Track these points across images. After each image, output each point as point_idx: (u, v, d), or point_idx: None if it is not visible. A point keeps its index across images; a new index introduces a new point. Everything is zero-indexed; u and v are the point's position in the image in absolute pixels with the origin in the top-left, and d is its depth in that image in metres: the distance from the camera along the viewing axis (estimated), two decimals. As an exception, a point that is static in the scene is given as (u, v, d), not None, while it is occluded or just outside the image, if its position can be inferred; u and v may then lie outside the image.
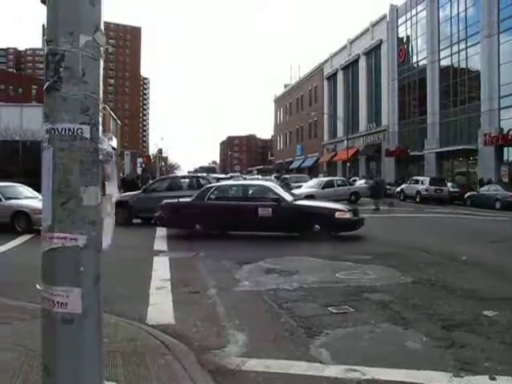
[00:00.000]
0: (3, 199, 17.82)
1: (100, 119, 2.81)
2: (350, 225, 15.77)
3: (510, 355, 5.54)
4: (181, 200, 17.09)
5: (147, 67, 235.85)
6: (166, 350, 5.46)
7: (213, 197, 16.61)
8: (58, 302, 2.63)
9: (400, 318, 6.93)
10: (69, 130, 2.63)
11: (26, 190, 19.61)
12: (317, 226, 15.09)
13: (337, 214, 15.58)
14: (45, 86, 2.69)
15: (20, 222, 17.05)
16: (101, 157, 2.79)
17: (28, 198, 18.60)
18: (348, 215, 15.67)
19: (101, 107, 2.83)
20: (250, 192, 17.31)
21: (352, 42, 67.96)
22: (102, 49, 2.76)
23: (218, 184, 19.75)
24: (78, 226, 2.68)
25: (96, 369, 2.77)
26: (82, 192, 2.69)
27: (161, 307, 7.62)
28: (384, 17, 59.27)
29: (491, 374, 4.92)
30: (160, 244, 14.62)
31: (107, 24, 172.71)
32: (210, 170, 65.36)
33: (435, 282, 9.24)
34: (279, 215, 15.57)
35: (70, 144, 2.64)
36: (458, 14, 46.04)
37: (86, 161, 2.69)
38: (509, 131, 37.69)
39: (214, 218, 15.92)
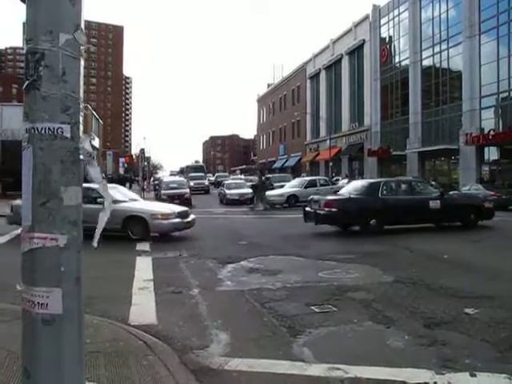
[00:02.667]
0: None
1: (81, 118, 2.80)
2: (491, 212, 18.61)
3: (490, 352, 5.60)
4: (352, 197, 17.42)
5: (130, 66, 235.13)
6: (148, 350, 5.45)
7: (385, 192, 17.43)
8: (38, 303, 2.61)
9: (382, 317, 6.97)
10: (49, 129, 2.61)
11: (128, 192, 18.80)
12: (472, 215, 17.85)
13: (485, 204, 18.89)
14: (24, 85, 2.66)
15: (134, 228, 15.54)
16: (82, 157, 2.78)
17: (133, 200, 17.73)
18: None
19: (82, 106, 2.81)
20: (413, 186, 18.64)
21: (335, 41, 68.21)
22: (82, 48, 2.74)
23: (384, 180, 20.70)
24: (58, 226, 2.65)
25: (77, 370, 2.75)
26: (63, 192, 2.66)
27: (143, 307, 7.59)
28: (366, 17, 59.55)
29: (472, 371, 4.97)
30: (142, 244, 14.56)
31: (89, 23, 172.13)
32: (198, 168, 62.88)
33: (417, 280, 9.31)
34: (444, 207, 17.34)
35: (50, 143, 2.62)
36: (440, 14, 46.42)
37: (66, 160, 2.67)
38: (489, 131, 38.09)
39: (388, 212, 16.69)
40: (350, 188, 19.13)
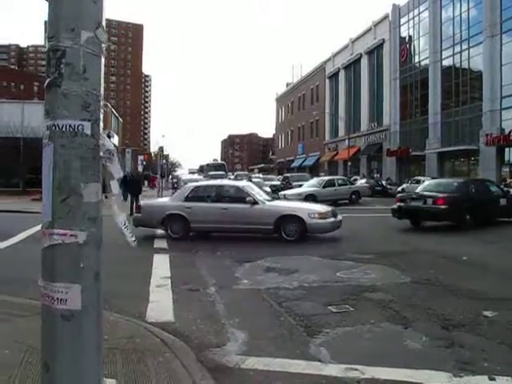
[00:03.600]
0: (260, 201, 15.19)
1: (101, 116, 2.81)
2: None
3: (509, 356, 5.54)
4: (456, 195, 18.23)
5: (149, 65, 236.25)
6: (165, 347, 5.47)
7: (473, 191, 18.72)
8: (57, 299, 2.63)
9: (400, 318, 6.92)
10: (69, 126, 2.63)
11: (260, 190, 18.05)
12: None
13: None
14: (46, 83, 2.68)
15: (289, 228, 14.73)
16: (101, 153, 2.79)
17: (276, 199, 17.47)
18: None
19: (102, 104, 2.83)
20: (488, 186, 20.39)
21: (354, 41, 67.96)
22: (103, 45, 2.76)
23: (469, 179, 23.02)
24: (78, 222, 2.67)
25: (95, 365, 2.77)
26: (83, 188, 2.68)
27: (160, 305, 7.63)
28: (386, 16, 59.26)
29: (490, 374, 4.92)
30: (160, 242, 14.62)
31: (109, 21, 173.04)
32: (219, 167, 61.58)
33: (435, 281, 9.24)
34: (510, 204, 19.39)
35: (71, 140, 2.64)
36: (461, 14, 46.04)
37: (86, 157, 2.69)
38: (510, 132, 37.67)
39: (480, 208, 18.10)
40: (430, 187, 19.95)
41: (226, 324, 6.73)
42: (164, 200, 19.17)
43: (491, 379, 4.83)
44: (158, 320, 6.77)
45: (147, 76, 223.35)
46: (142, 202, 18.87)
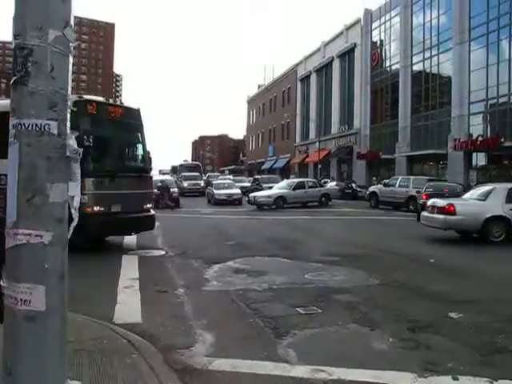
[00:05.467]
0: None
1: (68, 115, 2.79)
2: None
3: (472, 356, 5.63)
4: None
5: (120, 64, 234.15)
6: (132, 349, 5.43)
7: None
8: (21, 300, 2.60)
9: (367, 319, 6.99)
10: (36, 125, 2.60)
11: None
12: None
13: None
14: (12, 81, 2.65)
15: (499, 230, 15.07)
16: (68, 153, 2.76)
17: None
18: None
19: (70, 103, 2.81)
20: None
21: (326, 44, 68.32)
22: (71, 45, 2.74)
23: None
24: (43, 222, 2.64)
25: (59, 367, 2.74)
26: (49, 188, 2.66)
27: (128, 306, 7.57)
28: (358, 21, 59.70)
29: (454, 374, 5.00)
30: (129, 242, 14.51)
31: (80, 19, 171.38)
32: (193, 168, 60.29)
33: (403, 283, 9.35)
34: None
35: (37, 140, 2.61)
36: (431, 20, 46.65)
37: (53, 157, 2.66)
38: (477, 137, 38.31)
39: None
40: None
41: (194, 325, 6.71)
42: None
43: (455, 379, 4.92)
44: (125, 321, 6.71)
45: (118, 75, 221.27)
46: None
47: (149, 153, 14.52)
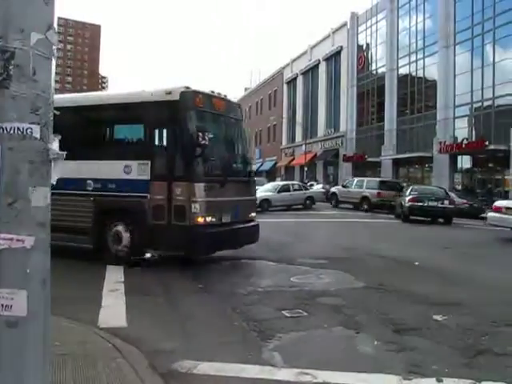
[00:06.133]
0: None
1: (51, 119, 2.77)
2: None
3: (457, 358, 5.67)
4: None
5: (106, 66, 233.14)
6: (117, 353, 5.40)
7: None
8: (2, 305, 2.57)
9: (352, 322, 7.01)
10: (18, 129, 2.58)
11: None
12: None
13: None
14: (-6, 84, 2.63)
15: None
16: (51, 157, 2.74)
17: None
18: None
19: (52, 107, 2.79)
20: None
21: (313, 47, 68.53)
22: (54, 47, 2.72)
23: None
24: (25, 227, 2.62)
25: (41, 374, 2.71)
26: (31, 192, 2.63)
27: (113, 310, 7.51)
28: (345, 24, 59.96)
29: (438, 377, 5.03)
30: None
31: (66, 20, 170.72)
32: None
33: (388, 286, 9.38)
34: None
35: (19, 144, 2.59)
36: (417, 24, 47.04)
37: (35, 161, 2.64)
38: (463, 140, 38.60)
39: None
40: None
41: (179, 329, 6.69)
42: None
43: (439, 381, 4.95)
44: (110, 325, 6.65)
45: (104, 77, 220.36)
46: None
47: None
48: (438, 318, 7.28)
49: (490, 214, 18.64)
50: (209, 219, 10.57)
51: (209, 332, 6.62)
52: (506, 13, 35.70)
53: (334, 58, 62.48)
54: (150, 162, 10.77)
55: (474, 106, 39.59)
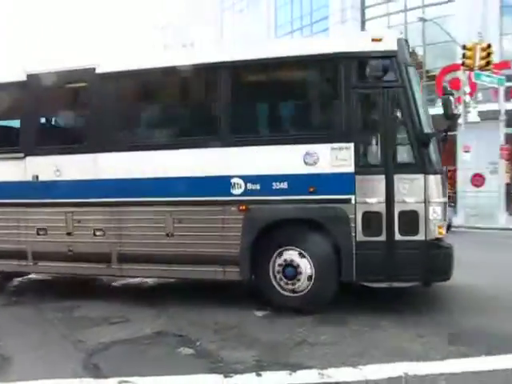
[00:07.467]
0: None
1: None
2: None
3: (274, 353, 5.78)
4: None
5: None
6: None
7: None
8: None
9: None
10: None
11: None
12: None
13: None
14: None
15: None
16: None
17: None
18: None
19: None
20: None
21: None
22: None
23: None
24: None
25: None
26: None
27: None
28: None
29: (258, 371, 5.11)
30: None
31: None
32: None
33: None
34: None
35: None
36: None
37: None
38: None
39: None
40: None
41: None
42: None
43: (258, 375, 5.05)
44: None
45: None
46: None
47: None
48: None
49: None
50: (445, 230, 7.62)
51: (20, 345, 6.15)
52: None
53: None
54: (352, 145, 7.24)
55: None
